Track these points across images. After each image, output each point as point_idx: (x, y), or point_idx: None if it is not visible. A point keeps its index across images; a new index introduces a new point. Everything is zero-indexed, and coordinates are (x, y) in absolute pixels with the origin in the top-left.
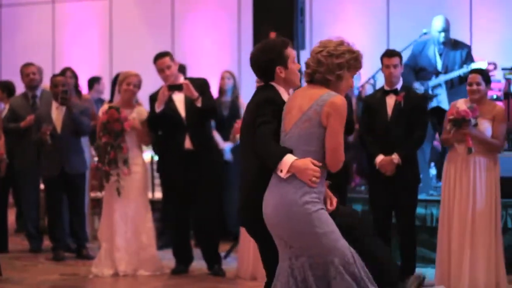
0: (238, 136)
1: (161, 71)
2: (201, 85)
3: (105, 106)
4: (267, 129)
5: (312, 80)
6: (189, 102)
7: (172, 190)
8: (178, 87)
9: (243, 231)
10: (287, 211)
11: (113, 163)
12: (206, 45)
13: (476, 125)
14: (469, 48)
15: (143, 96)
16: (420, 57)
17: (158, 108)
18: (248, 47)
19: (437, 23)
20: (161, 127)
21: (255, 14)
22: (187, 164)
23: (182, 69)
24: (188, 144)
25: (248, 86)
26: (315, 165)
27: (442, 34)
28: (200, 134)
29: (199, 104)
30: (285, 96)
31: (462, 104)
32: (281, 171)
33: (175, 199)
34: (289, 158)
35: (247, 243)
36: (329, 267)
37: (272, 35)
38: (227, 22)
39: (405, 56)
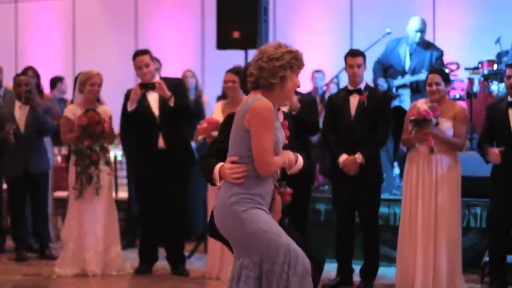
0: (200, 137)
1: (139, 68)
2: (176, 84)
3: (71, 107)
4: (211, 148)
5: (258, 86)
6: (163, 102)
7: (144, 189)
8: (151, 86)
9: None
10: (221, 214)
11: (94, 165)
12: (169, 45)
13: (437, 124)
14: (441, 52)
15: (105, 95)
16: (391, 55)
17: (130, 107)
18: (211, 46)
19: (414, 23)
20: (134, 125)
21: (219, 13)
22: (160, 163)
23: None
24: (161, 143)
25: (211, 86)
26: (233, 162)
27: (418, 34)
28: (173, 134)
29: (171, 103)
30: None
31: (422, 104)
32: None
33: (147, 198)
34: (217, 167)
35: (215, 243)
36: (265, 266)
37: (236, 35)
38: (191, 22)
39: (370, 55)
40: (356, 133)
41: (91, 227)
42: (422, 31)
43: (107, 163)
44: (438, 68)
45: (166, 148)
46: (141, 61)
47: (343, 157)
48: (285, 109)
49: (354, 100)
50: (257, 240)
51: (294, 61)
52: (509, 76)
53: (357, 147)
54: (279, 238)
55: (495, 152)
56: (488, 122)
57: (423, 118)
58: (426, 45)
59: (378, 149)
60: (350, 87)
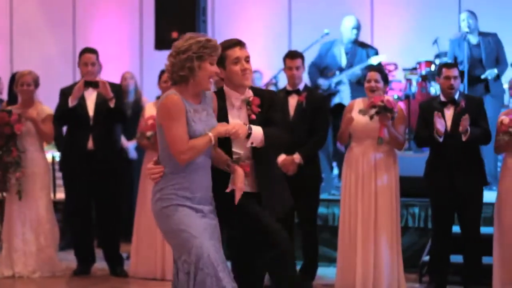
0: (148, 133)
1: (84, 65)
2: (117, 90)
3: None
4: None
5: (175, 82)
6: (100, 103)
7: (74, 190)
8: (94, 84)
9: (144, 232)
10: (151, 210)
11: (5, 167)
12: (108, 45)
13: (393, 118)
14: (376, 50)
15: (43, 95)
16: (325, 57)
17: (72, 103)
18: (150, 47)
19: (349, 21)
20: (68, 123)
21: (157, 14)
22: (90, 164)
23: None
24: (90, 144)
25: (150, 86)
26: (155, 162)
27: (354, 31)
28: (104, 136)
29: (111, 104)
30: (235, 97)
31: (360, 103)
32: None
33: (77, 199)
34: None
35: (151, 243)
36: (177, 264)
37: (174, 35)
38: (129, 22)
39: (309, 56)
40: (294, 133)
41: (18, 229)
42: (357, 28)
43: (17, 165)
44: (378, 65)
45: (95, 149)
46: (88, 59)
47: (282, 157)
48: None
49: (292, 101)
50: (174, 238)
51: (203, 49)
52: (449, 77)
53: (296, 147)
54: (193, 239)
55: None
56: (422, 120)
57: (386, 107)
58: (361, 44)
59: (317, 150)
60: (288, 88)
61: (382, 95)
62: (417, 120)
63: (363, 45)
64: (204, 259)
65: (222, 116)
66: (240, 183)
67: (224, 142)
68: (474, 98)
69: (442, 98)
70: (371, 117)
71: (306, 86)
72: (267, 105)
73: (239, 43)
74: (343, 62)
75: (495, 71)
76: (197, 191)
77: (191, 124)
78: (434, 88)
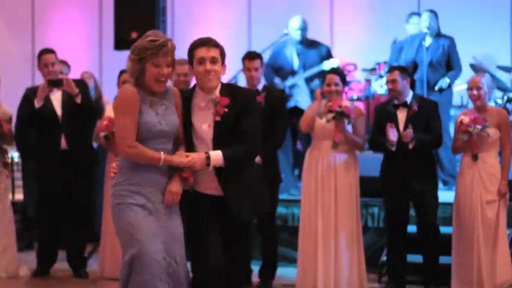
0: (102, 134)
1: (45, 66)
2: (80, 85)
3: None
4: None
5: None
6: (66, 101)
7: (45, 190)
8: (58, 83)
9: (105, 232)
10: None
11: None
12: (67, 46)
13: (349, 123)
14: (328, 47)
15: (2, 95)
16: (278, 57)
17: (38, 104)
18: (109, 47)
19: (294, 22)
20: (35, 125)
21: (116, 14)
22: (63, 164)
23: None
24: (63, 144)
25: (109, 87)
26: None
27: (299, 32)
28: (76, 134)
29: (78, 100)
30: (200, 97)
31: (321, 106)
32: None
33: (48, 199)
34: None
35: (110, 244)
36: (123, 261)
37: (134, 35)
38: (88, 22)
39: (268, 56)
40: None
41: None
42: (303, 29)
43: (5, 165)
44: (337, 68)
45: (69, 149)
46: (47, 59)
47: None
48: None
49: None
50: (121, 237)
51: (144, 51)
52: (388, 81)
53: None
54: (134, 239)
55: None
56: (377, 123)
57: (343, 112)
58: (311, 43)
59: (276, 149)
60: None
61: (341, 100)
62: (373, 124)
63: (314, 44)
64: (141, 263)
65: (186, 116)
66: (174, 187)
67: (187, 142)
68: (429, 101)
69: (395, 101)
70: (328, 121)
71: (265, 86)
72: (240, 108)
73: (206, 43)
74: (295, 63)
75: (447, 80)
76: (148, 187)
77: (143, 114)
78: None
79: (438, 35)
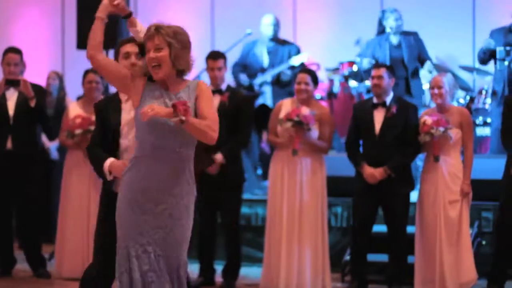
0: (78, 131)
1: (7, 65)
2: (38, 90)
3: None
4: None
5: None
6: (21, 102)
7: None
8: (16, 83)
9: (62, 232)
10: None
11: None
12: (29, 45)
13: (309, 130)
14: (297, 47)
15: None
16: (247, 57)
17: None
18: (72, 44)
19: (267, 19)
20: None
21: (79, 13)
22: (8, 164)
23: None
24: (9, 144)
25: (72, 84)
26: None
27: (272, 28)
28: (25, 136)
29: (32, 104)
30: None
31: (288, 103)
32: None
33: None
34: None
35: (78, 243)
36: None
37: None
38: (51, 21)
39: (232, 56)
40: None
41: None
42: (276, 25)
43: None
44: (309, 68)
45: (14, 150)
46: (11, 59)
47: None
48: None
49: (215, 101)
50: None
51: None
52: (374, 77)
53: (218, 147)
54: (121, 242)
55: (370, 172)
56: (354, 122)
57: (300, 122)
58: (282, 42)
59: (240, 149)
60: (211, 88)
61: (300, 108)
62: (350, 124)
63: (284, 43)
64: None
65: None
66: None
67: (113, 136)
68: (408, 104)
69: (375, 100)
70: (286, 129)
71: (229, 86)
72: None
73: (134, 40)
74: (265, 61)
75: (429, 63)
76: (147, 182)
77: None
78: (356, 89)
79: (402, 33)
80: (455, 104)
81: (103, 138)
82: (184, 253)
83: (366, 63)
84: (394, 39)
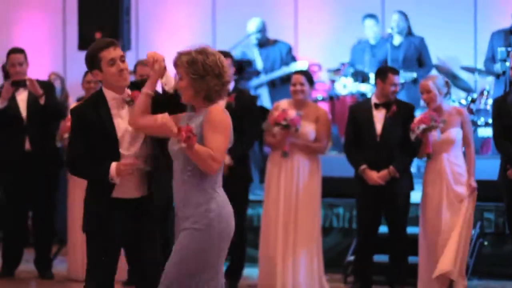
0: (66, 135)
1: (12, 66)
2: (46, 86)
3: None
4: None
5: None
6: (32, 102)
7: (10, 192)
8: (22, 83)
9: (73, 233)
10: None
11: None
12: (30, 46)
13: (297, 130)
14: (289, 45)
15: None
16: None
17: (2, 104)
18: (73, 47)
19: (251, 25)
20: (0, 125)
21: (80, 14)
22: (26, 166)
23: None
24: (27, 145)
25: (73, 86)
26: None
27: (256, 35)
28: (41, 136)
29: (42, 101)
30: (111, 96)
31: (285, 104)
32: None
33: (12, 201)
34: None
35: (76, 245)
36: None
37: (98, 35)
38: (52, 22)
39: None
40: None
41: None
42: (261, 30)
43: None
44: (304, 69)
45: (33, 151)
46: (15, 59)
47: None
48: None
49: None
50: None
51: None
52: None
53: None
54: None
55: (374, 178)
56: (352, 124)
57: (288, 125)
58: (272, 43)
59: (247, 150)
60: None
61: (287, 111)
62: (347, 126)
63: (274, 44)
64: None
65: (108, 119)
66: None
67: (112, 146)
68: (406, 104)
69: (375, 100)
70: (274, 133)
71: (235, 87)
72: None
73: (113, 43)
74: (259, 64)
75: (414, 75)
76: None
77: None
78: (357, 90)
79: (408, 34)
80: (456, 105)
81: (92, 148)
82: None
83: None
84: (397, 41)
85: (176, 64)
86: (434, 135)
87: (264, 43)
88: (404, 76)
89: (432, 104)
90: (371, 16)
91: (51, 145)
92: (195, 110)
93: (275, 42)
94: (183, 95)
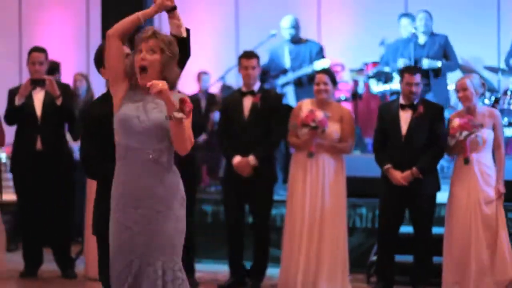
0: None
1: (32, 64)
2: (64, 88)
3: None
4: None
5: None
6: (48, 102)
7: (23, 191)
8: (41, 82)
9: (89, 232)
10: None
11: None
12: (54, 45)
13: (323, 131)
14: (320, 45)
15: None
16: (274, 61)
17: (18, 101)
18: (97, 45)
19: (285, 21)
20: (16, 123)
21: (104, 11)
22: (38, 165)
23: (56, 66)
24: (39, 145)
25: (97, 85)
26: None
27: (289, 31)
28: (53, 136)
29: (59, 102)
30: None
31: (308, 104)
32: None
33: (27, 200)
34: None
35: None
36: None
37: None
38: (76, 20)
39: None
40: (250, 134)
41: None
42: (294, 27)
43: None
44: (327, 68)
45: (44, 150)
46: (36, 58)
47: (237, 159)
48: None
49: (247, 102)
50: None
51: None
52: (408, 83)
53: (251, 149)
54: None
55: (397, 178)
56: (380, 123)
57: (316, 126)
58: (303, 41)
59: (272, 150)
60: (244, 89)
61: (314, 112)
62: (376, 125)
63: (306, 42)
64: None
65: None
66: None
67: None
68: (434, 105)
69: (401, 101)
70: (302, 135)
71: (261, 87)
72: None
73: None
74: (287, 63)
75: (438, 64)
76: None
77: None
78: (380, 90)
79: (432, 34)
80: (480, 105)
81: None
82: None
83: (401, 63)
84: (421, 40)
85: (149, 37)
86: (473, 138)
87: (296, 40)
88: (430, 64)
89: (467, 103)
90: (407, 15)
91: (63, 146)
92: (147, 92)
93: (306, 41)
94: (149, 68)
